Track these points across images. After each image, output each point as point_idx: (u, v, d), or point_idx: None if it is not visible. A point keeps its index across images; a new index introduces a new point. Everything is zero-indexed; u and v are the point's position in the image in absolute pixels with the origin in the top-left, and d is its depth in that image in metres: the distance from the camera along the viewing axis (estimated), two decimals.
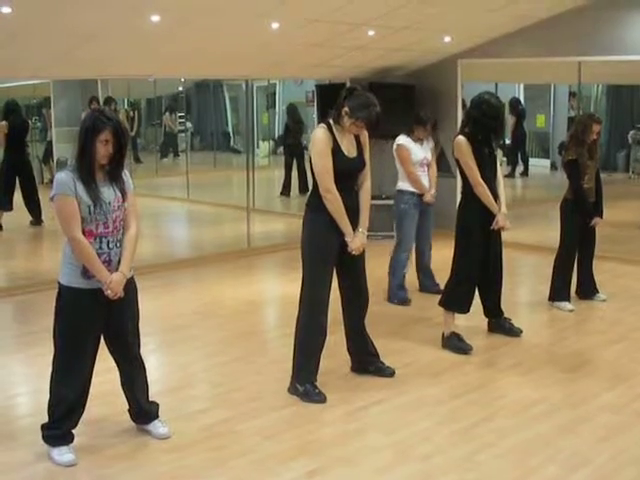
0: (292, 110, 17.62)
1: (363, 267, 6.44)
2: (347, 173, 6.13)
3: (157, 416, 5.56)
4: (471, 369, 6.88)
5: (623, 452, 5.32)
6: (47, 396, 5.20)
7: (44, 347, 7.24)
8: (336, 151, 6.03)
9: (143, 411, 5.54)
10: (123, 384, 5.48)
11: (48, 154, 15.69)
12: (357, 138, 6.22)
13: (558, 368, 6.89)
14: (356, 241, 6.13)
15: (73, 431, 5.23)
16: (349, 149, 6.13)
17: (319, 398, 6.15)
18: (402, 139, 8.92)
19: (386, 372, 6.63)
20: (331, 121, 6.10)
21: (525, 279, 10.40)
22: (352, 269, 6.37)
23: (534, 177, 18.45)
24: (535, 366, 6.93)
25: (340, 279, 6.42)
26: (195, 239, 13.74)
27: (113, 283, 4.99)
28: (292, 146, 17.12)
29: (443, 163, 12.24)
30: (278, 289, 10.17)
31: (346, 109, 6.02)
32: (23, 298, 9.12)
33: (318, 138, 6.06)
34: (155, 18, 8.07)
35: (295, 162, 16.84)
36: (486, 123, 7.05)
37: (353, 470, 5.07)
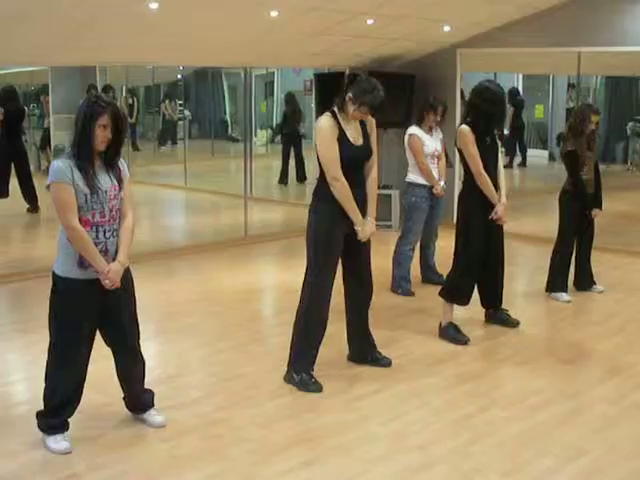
0: (290, 98, 17.60)
1: (369, 258, 6.43)
2: (353, 161, 6.09)
3: (152, 405, 5.54)
4: (468, 359, 6.88)
5: (619, 444, 5.32)
6: (42, 383, 5.18)
7: (39, 334, 7.22)
8: (342, 139, 6.01)
9: (139, 401, 5.53)
10: (119, 374, 5.45)
11: (45, 141, 15.69)
12: (363, 126, 6.20)
13: (555, 359, 6.89)
14: (366, 229, 6.11)
15: (68, 419, 5.23)
16: (355, 137, 6.11)
17: (315, 387, 6.15)
18: (414, 129, 8.83)
19: (383, 362, 6.62)
20: (336, 109, 6.08)
21: (522, 269, 10.39)
22: (358, 260, 6.35)
23: (532, 168, 18.45)
24: (532, 357, 6.92)
25: (345, 269, 6.40)
26: (192, 227, 13.72)
27: (111, 273, 4.96)
28: (290, 134, 17.10)
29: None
30: (275, 278, 10.15)
31: (350, 95, 5.99)
32: (19, 285, 9.10)
33: (323, 126, 6.03)
34: (153, 5, 8.04)
35: (293, 150, 16.83)
36: (487, 110, 7.03)
37: (349, 460, 5.07)
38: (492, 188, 7.12)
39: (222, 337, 7.42)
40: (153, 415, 5.50)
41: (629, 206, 13.22)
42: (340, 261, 6.29)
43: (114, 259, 5.03)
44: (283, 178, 16.93)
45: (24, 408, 5.77)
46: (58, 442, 5.13)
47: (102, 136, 4.87)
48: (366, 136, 6.20)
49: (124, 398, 5.55)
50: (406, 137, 8.85)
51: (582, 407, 5.89)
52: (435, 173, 8.79)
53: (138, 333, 5.39)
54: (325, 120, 6.05)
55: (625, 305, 8.50)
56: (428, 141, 8.80)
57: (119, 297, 5.14)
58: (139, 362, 5.44)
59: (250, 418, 5.64)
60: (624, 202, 13.24)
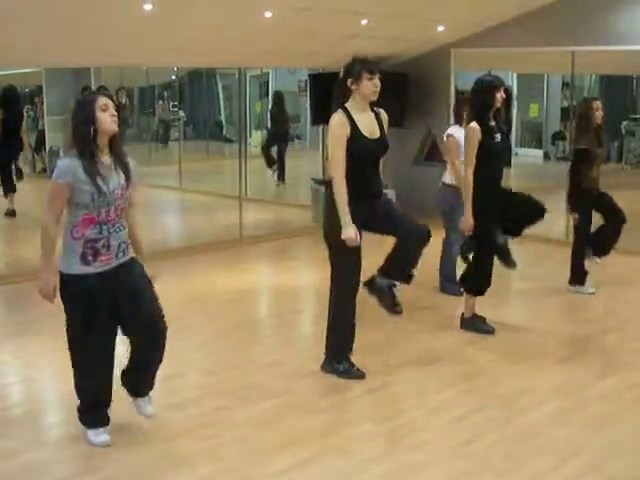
0: (278, 98, 17.61)
1: (403, 215, 6.37)
2: (369, 155, 6.10)
3: (148, 393, 5.42)
4: (463, 359, 6.88)
5: (615, 442, 5.32)
6: (36, 385, 5.20)
7: (32, 337, 7.26)
8: (354, 134, 6.00)
9: (141, 386, 5.39)
10: (134, 359, 5.26)
11: (40, 143, 15.63)
12: (379, 119, 6.21)
13: (550, 358, 6.89)
14: (349, 232, 6.00)
15: (107, 413, 5.25)
16: (371, 130, 6.11)
17: (358, 374, 6.29)
18: (452, 129, 8.58)
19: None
20: (347, 105, 6.09)
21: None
22: (394, 220, 6.27)
23: (526, 167, 18.40)
24: (527, 356, 6.92)
25: (391, 233, 6.29)
26: (187, 228, 13.71)
27: None
28: (275, 135, 17.07)
29: (436, 153, 12.26)
30: (271, 279, 10.15)
31: (349, 80, 6.07)
32: (13, 287, 9.06)
33: (331, 126, 6.05)
34: (148, 7, 8.04)
35: (278, 150, 16.83)
36: (480, 100, 7.05)
37: (344, 460, 5.07)
38: (469, 192, 7.10)
39: (217, 338, 7.41)
40: (147, 402, 5.38)
41: (624, 205, 13.18)
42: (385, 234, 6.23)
43: (117, 255, 5.03)
44: (279, 176, 16.90)
45: (20, 410, 5.79)
46: (99, 434, 5.18)
47: (107, 116, 4.87)
48: (382, 130, 6.21)
49: (122, 376, 5.37)
50: (444, 137, 8.64)
51: (577, 406, 5.89)
52: None
53: (161, 309, 5.30)
54: (334, 119, 6.05)
55: (620, 303, 8.51)
56: None
57: (135, 279, 5.15)
58: (161, 341, 5.26)
59: (246, 418, 5.64)
60: (619, 201, 13.22)
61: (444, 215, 8.57)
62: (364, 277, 6.32)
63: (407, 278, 6.40)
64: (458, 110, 8.71)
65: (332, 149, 6.01)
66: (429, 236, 6.18)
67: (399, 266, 6.33)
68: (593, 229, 8.73)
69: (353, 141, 5.97)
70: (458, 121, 8.62)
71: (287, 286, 9.33)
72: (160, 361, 5.36)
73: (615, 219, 8.71)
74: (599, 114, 8.35)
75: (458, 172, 8.31)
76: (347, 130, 5.98)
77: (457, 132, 8.44)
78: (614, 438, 5.38)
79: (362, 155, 6.01)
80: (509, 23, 11.22)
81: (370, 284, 6.33)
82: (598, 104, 8.40)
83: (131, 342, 5.23)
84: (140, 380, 5.41)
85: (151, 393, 5.49)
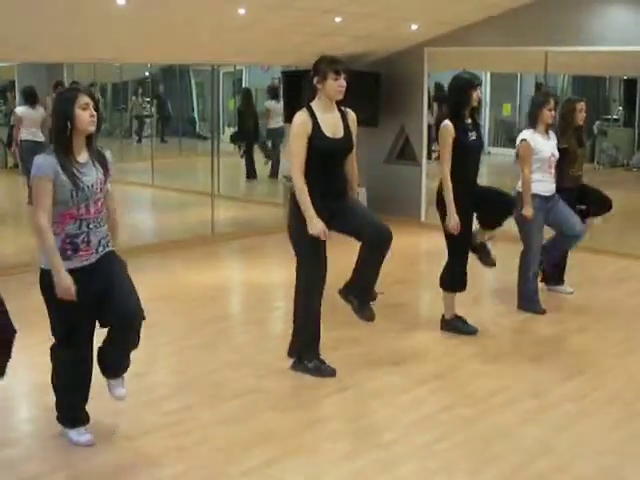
0: (246, 95, 17.60)
1: (367, 212, 6.44)
2: (330, 153, 6.10)
3: (122, 375, 5.32)
4: (433, 358, 6.89)
5: (583, 441, 5.35)
6: (8, 382, 5.11)
7: None
8: (316, 133, 6.02)
9: (116, 366, 5.29)
10: (108, 345, 5.16)
11: (12, 138, 15.53)
12: (345, 120, 6.21)
13: (520, 358, 6.91)
14: (316, 226, 5.99)
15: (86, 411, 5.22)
16: (334, 130, 6.12)
17: (330, 371, 6.32)
18: (526, 134, 7.95)
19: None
20: (312, 104, 6.10)
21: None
22: (357, 219, 6.26)
23: (499, 166, 18.47)
24: (497, 355, 6.95)
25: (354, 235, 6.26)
26: (159, 225, 13.66)
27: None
28: (243, 132, 17.05)
29: (408, 151, 12.30)
30: (242, 276, 10.13)
31: (315, 79, 6.04)
32: None
33: (294, 122, 6.09)
34: (121, 2, 8.01)
35: (246, 146, 16.82)
36: (456, 95, 7.06)
37: (314, 458, 5.07)
38: (451, 197, 7.03)
39: (188, 335, 7.39)
40: (117, 385, 5.28)
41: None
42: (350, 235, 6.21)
43: (97, 250, 5.01)
44: (250, 173, 16.88)
45: None
46: (81, 435, 5.15)
47: (87, 116, 4.83)
48: (347, 129, 6.21)
49: (98, 355, 5.25)
50: (517, 142, 8.04)
51: (547, 405, 5.92)
52: (550, 184, 8.03)
53: (139, 299, 5.21)
54: (297, 116, 6.08)
55: (591, 303, 8.55)
56: (544, 146, 7.93)
57: (115, 270, 5.12)
58: (137, 326, 5.16)
59: (216, 416, 5.63)
60: None
61: (519, 228, 8.23)
62: (335, 280, 6.34)
63: (371, 296, 6.45)
64: (534, 112, 7.98)
65: (292, 147, 6.06)
66: (390, 238, 6.16)
67: (363, 282, 6.35)
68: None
69: (314, 139, 6.00)
70: (533, 125, 7.97)
71: (258, 283, 9.32)
72: (136, 344, 5.24)
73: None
74: (581, 116, 8.41)
75: (527, 184, 7.92)
76: (308, 129, 6.01)
77: (532, 138, 7.93)
78: (582, 438, 5.41)
79: (323, 154, 6.03)
80: (483, 23, 11.25)
81: (343, 294, 6.41)
82: (582, 106, 8.44)
83: (109, 329, 5.12)
84: (114, 361, 5.27)
85: (123, 402, 5.45)
